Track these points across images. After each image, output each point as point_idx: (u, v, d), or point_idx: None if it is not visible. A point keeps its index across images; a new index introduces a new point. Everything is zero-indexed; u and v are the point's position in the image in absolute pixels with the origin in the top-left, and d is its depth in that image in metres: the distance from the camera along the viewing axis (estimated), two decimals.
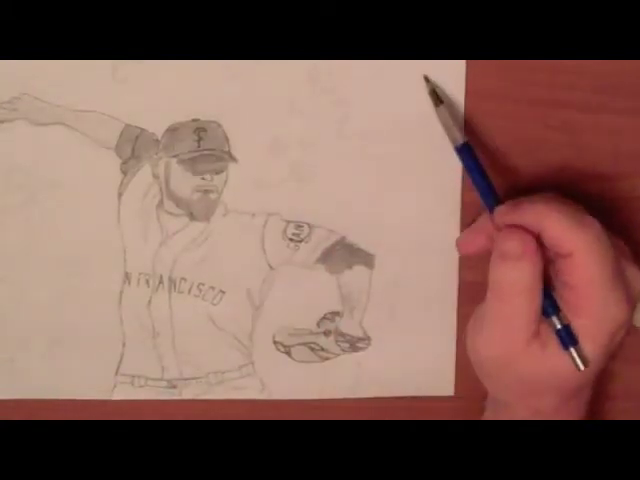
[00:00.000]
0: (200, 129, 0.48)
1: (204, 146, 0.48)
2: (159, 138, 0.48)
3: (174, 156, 0.48)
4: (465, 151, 0.46)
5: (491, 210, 0.45)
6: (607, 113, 0.47)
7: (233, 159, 0.48)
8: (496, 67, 0.46)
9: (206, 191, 0.49)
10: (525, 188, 0.49)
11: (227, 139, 0.48)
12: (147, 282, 0.50)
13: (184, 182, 0.49)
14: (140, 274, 0.50)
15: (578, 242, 0.42)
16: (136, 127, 0.48)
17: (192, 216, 0.49)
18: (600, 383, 0.50)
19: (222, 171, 0.48)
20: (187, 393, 0.52)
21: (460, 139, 0.46)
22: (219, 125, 0.48)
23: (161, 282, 0.50)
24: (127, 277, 0.50)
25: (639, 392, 0.53)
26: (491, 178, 0.46)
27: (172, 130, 0.48)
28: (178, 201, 0.49)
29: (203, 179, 0.49)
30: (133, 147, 0.48)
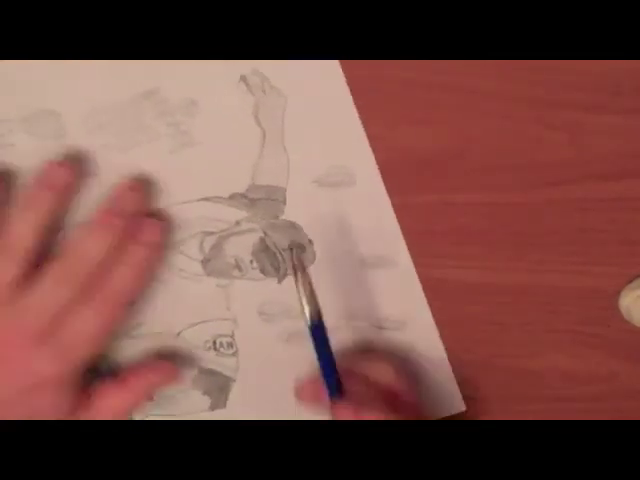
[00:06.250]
0: None
1: None
2: None
3: None
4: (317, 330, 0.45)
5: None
6: (607, 113, 0.47)
7: None
8: (496, 67, 0.46)
9: None
10: (525, 188, 0.49)
11: None
12: None
13: None
14: None
15: None
16: None
17: None
18: (600, 383, 0.50)
19: None
20: None
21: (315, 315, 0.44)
22: None
23: None
24: None
25: (639, 392, 0.53)
26: None
27: None
28: None
29: None
30: None
